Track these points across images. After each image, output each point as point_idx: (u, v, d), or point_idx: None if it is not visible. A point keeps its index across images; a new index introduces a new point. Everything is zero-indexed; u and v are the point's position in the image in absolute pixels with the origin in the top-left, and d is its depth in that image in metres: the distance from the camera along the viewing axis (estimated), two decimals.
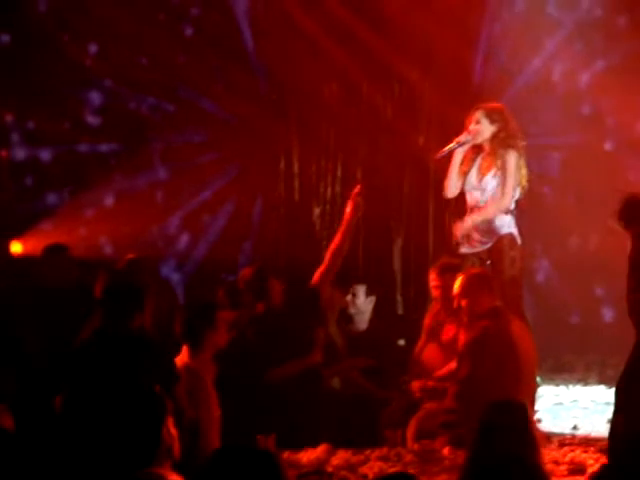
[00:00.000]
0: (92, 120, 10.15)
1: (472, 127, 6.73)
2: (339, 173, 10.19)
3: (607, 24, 9.80)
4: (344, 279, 7.26)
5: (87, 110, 10.11)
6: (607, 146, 9.76)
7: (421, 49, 9.82)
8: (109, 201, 10.08)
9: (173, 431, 5.24)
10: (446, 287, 6.41)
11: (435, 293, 6.63)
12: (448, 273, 6.46)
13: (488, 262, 6.63)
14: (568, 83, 9.94)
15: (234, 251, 10.22)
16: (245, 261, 10.09)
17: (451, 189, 6.85)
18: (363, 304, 7.18)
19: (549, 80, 9.97)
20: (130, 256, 7.18)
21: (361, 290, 7.20)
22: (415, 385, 6.42)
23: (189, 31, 10.34)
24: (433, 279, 6.62)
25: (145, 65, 10.18)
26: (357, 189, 7.24)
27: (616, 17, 9.80)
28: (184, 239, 10.37)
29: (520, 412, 4.00)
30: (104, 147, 10.19)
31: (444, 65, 9.84)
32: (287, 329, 6.66)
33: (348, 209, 7.17)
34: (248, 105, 10.28)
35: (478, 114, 6.72)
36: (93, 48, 10.03)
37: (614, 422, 4.43)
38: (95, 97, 10.13)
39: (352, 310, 7.19)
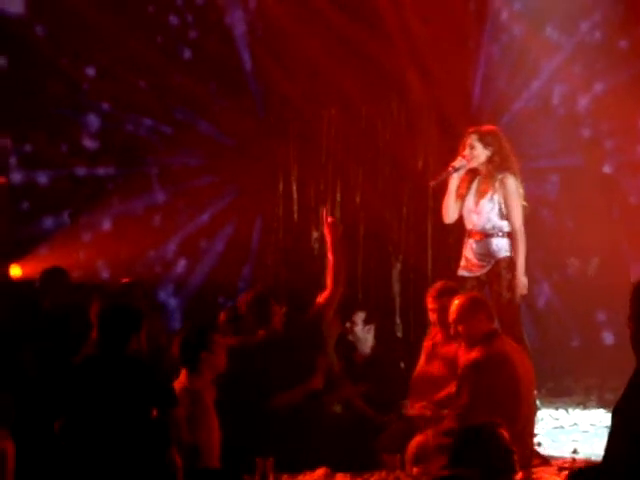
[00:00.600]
0: (89, 143, 10.25)
1: (467, 152, 6.87)
2: (338, 197, 10.32)
3: (607, 47, 9.91)
4: (342, 305, 7.41)
5: (84, 133, 10.22)
6: (606, 169, 9.89)
7: (419, 72, 9.93)
8: (106, 225, 10.18)
9: (178, 460, 5.39)
10: (442, 310, 6.48)
11: (432, 317, 6.70)
12: (445, 296, 6.53)
13: (486, 287, 6.78)
14: (567, 106, 10.10)
15: (233, 275, 10.35)
16: (244, 285, 10.21)
17: (449, 215, 7.00)
18: (361, 332, 7.30)
19: (548, 103, 10.12)
20: (125, 280, 7.37)
21: (360, 318, 7.33)
22: (413, 413, 6.47)
23: (187, 53, 10.51)
24: (429, 302, 6.70)
25: (143, 88, 10.33)
26: (328, 220, 7.18)
27: (616, 40, 9.91)
28: (182, 263, 10.48)
29: (487, 437, 4.15)
30: (101, 170, 10.28)
31: (443, 88, 9.95)
32: (288, 354, 6.75)
33: (326, 234, 7.13)
34: (246, 127, 10.43)
35: (472, 139, 6.86)
36: (91, 71, 10.16)
37: (608, 444, 4.52)
38: (92, 120, 10.24)
39: (351, 337, 7.30)
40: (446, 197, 7.00)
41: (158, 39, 10.36)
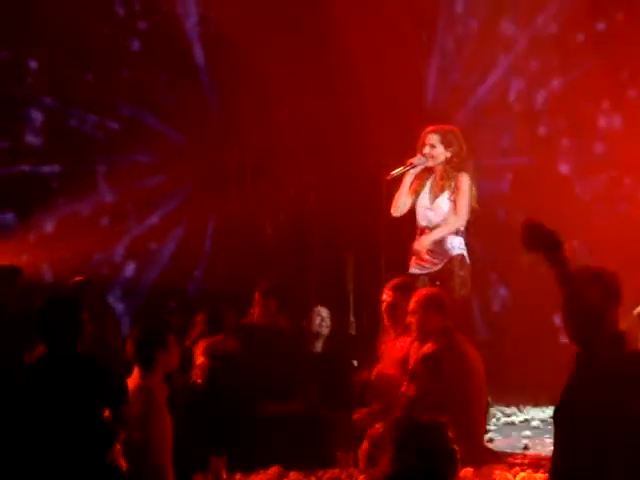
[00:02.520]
0: (33, 140, 10.47)
1: (427, 151, 7.53)
2: (292, 194, 10.80)
3: (563, 41, 10.24)
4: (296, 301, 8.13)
5: (27, 129, 10.43)
6: (562, 167, 10.20)
7: (373, 67, 10.24)
8: (51, 226, 10.38)
9: (122, 463, 5.72)
10: (395, 304, 7.11)
11: (383, 308, 7.28)
12: (400, 291, 7.15)
13: (437, 283, 7.36)
14: (523, 102, 10.46)
15: (183, 279, 10.67)
16: (195, 290, 10.62)
17: (399, 208, 7.65)
18: (318, 327, 8.08)
19: (504, 98, 10.51)
20: (78, 278, 7.81)
21: (326, 311, 8.11)
22: (356, 416, 7.13)
23: (136, 45, 10.76)
24: (385, 294, 7.28)
25: (89, 81, 10.54)
26: None
27: (573, 34, 10.24)
28: (131, 266, 10.72)
29: (434, 432, 4.40)
30: (46, 169, 10.50)
31: (396, 82, 10.25)
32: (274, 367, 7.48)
33: None
34: (198, 124, 10.73)
35: (433, 138, 7.52)
36: (33, 64, 10.36)
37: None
38: (36, 116, 10.45)
39: (325, 331, 8.02)
40: (399, 190, 7.62)
41: (105, 30, 10.57)
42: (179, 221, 10.77)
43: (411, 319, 6.88)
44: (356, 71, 10.33)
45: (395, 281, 7.38)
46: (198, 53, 10.86)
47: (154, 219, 10.74)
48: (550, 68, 10.32)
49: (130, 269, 10.76)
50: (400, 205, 7.66)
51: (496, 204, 9.97)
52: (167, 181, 10.67)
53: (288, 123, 10.72)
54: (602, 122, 10.10)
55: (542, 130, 10.34)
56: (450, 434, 4.45)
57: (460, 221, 7.48)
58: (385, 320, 7.33)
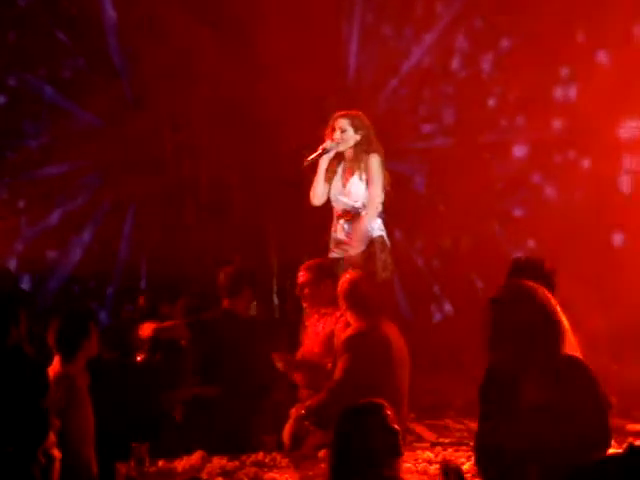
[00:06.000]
0: None
1: (337, 135, 10.45)
2: (214, 176, 13.11)
3: None
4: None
5: None
6: (516, 148, 12.14)
7: (290, 25, 12.33)
8: None
9: (56, 454, 7.81)
10: (306, 284, 9.99)
11: (297, 289, 10.07)
12: (311, 271, 10.01)
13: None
14: (468, 67, 12.21)
15: (90, 288, 12.81)
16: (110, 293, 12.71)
17: (318, 197, 10.55)
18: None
19: (446, 64, 12.32)
20: None
21: None
22: (276, 357, 9.86)
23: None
24: (299, 276, 10.06)
25: None
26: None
27: None
28: (26, 280, 12.61)
29: (373, 415, 6.13)
30: None
31: (316, 44, 12.25)
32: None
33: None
34: (108, 97, 12.52)
35: (343, 122, 10.46)
36: None
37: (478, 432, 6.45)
38: None
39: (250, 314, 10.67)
40: (315, 179, 10.47)
41: None
42: (88, 220, 12.74)
43: (304, 291, 9.76)
44: (275, 34, 12.30)
45: (309, 262, 10.19)
46: (108, 9, 12.70)
47: (53, 218, 12.44)
48: (496, 26, 12.07)
49: (26, 283, 12.45)
50: (319, 194, 10.57)
51: (437, 190, 12.08)
52: (71, 171, 12.42)
53: (208, 102, 12.74)
54: (558, 93, 11.79)
55: (491, 102, 12.20)
56: (389, 413, 6.23)
57: (376, 202, 10.31)
58: (302, 301, 10.04)
